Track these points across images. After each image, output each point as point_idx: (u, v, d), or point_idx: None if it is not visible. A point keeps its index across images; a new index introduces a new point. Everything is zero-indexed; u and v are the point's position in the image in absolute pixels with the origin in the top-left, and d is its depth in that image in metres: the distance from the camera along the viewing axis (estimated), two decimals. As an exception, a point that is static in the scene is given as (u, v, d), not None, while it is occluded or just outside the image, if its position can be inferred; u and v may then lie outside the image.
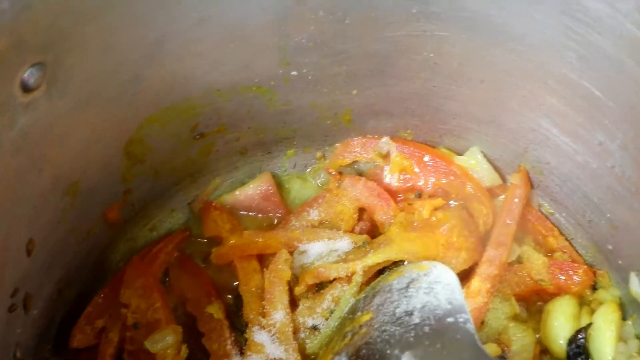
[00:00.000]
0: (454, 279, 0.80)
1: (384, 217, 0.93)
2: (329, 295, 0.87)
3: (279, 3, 0.78)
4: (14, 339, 0.76)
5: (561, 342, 0.87)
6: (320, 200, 0.95)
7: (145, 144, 0.85)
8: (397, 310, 0.81)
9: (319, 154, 1.01)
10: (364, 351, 0.77)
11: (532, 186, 0.94)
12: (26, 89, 0.65)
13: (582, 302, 0.91)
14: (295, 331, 0.87)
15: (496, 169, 0.95)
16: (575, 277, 0.89)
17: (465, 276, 0.89)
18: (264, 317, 0.86)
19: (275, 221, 0.97)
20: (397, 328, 0.78)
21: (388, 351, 0.75)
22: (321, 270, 0.87)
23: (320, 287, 0.89)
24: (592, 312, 0.89)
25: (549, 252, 0.94)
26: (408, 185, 0.94)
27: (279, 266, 0.87)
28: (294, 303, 0.88)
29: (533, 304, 0.92)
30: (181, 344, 0.84)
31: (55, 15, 0.64)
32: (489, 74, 0.83)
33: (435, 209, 0.91)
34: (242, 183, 0.98)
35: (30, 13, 0.62)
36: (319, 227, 0.94)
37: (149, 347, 0.83)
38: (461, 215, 0.90)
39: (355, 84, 0.90)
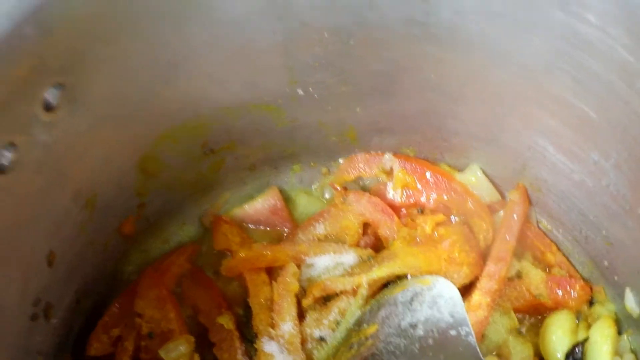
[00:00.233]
0: (456, 293, 0.83)
1: (388, 232, 0.95)
2: (336, 307, 0.89)
3: (285, 25, 0.80)
4: (36, 347, 0.79)
5: (559, 355, 0.89)
6: (325, 215, 0.97)
7: (159, 160, 0.87)
8: (402, 323, 0.83)
9: (324, 170, 1.02)
10: (370, 362, 0.81)
11: (530, 203, 0.96)
12: (48, 108, 0.69)
13: (579, 317, 0.92)
14: (303, 342, 0.89)
15: (495, 185, 0.97)
16: (572, 292, 0.91)
17: (466, 290, 0.91)
18: (273, 328, 0.89)
19: (284, 235, 0.99)
20: (402, 340, 0.81)
21: (393, 362, 0.79)
22: (328, 283, 0.90)
23: (327, 299, 0.91)
24: (589, 326, 0.91)
25: (547, 267, 0.95)
26: (411, 200, 0.96)
27: (287, 279, 0.90)
28: (301, 315, 0.90)
29: (532, 317, 0.94)
30: (194, 353, 0.86)
31: (74, 39, 0.68)
32: (488, 94, 0.85)
33: (437, 224, 0.93)
34: (251, 197, 1.00)
35: (52, 37, 0.65)
36: (325, 241, 0.95)
37: (163, 356, 0.86)
38: (462, 231, 0.92)
39: (359, 102, 0.92)
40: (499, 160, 0.94)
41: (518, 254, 0.95)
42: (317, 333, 0.89)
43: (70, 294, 0.85)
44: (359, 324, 0.87)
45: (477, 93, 0.86)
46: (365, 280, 0.88)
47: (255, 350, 0.89)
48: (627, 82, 0.71)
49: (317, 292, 0.89)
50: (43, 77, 0.67)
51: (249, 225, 0.99)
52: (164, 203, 0.94)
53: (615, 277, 0.90)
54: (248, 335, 0.91)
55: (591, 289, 0.93)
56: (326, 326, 0.89)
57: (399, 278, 0.91)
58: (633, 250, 0.84)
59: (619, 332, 0.90)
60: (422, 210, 0.96)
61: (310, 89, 0.89)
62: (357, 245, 0.95)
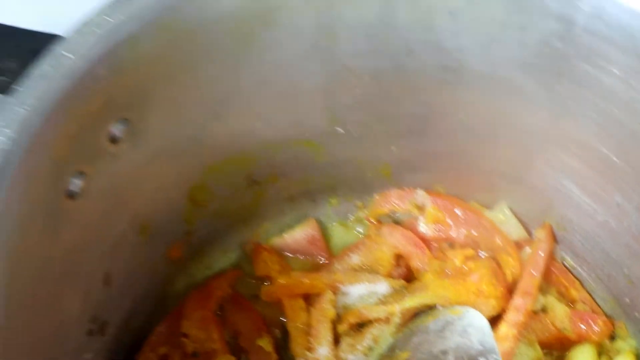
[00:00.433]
0: (485, 323, 0.88)
1: (419, 264, 0.99)
2: (369, 334, 0.94)
3: (328, 69, 0.85)
4: (88, 363, 0.84)
5: (582, 386, 0.93)
6: (360, 246, 1.02)
7: (207, 190, 0.92)
8: (434, 350, 0.88)
9: (360, 204, 1.06)
10: (403, 387, 0.86)
11: (556, 241, 0.99)
12: (113, 141, 0.75)
13: (601, 351, 0.95)
14: (338, 366, 0.94)
15: (523, 223, 1.01)
16: (594, 327, 0.95)
17: (493, 322, 0.94)
18: (309, 351, 0.93)
19: (321, 264, 1.03)
20: (435, 366, 0.87)
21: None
22: (363, 311, 0.94)
23: (361, 326, 0.95)
24: (611, 360, 0.94)
25: (571, 302, 0.99)
26: (441, 235, 1.00)
27: (324, 305, 0.94)
28: (336, 340, 0.94)
29: (556, 350, 0.97)
30: (235, 373, 0.91)
31: (140, 78, 0.74)
32: (517, 137, 0.89)
33: (467, 258, 0.97)
34: (290, 227, 1.05)
35: (121, 77, 0.71)
36: (359, 270, 0.99)
37: (208, 374, 0.90)
38: (490, 265, 0.96)
39: (394, 141, 0.96)
40: (527, 199, 0.98)
41: (543, 289, 0.98)
42: (351, 358, 0.93)
43: (122, 312, 0.90)
44: (391, 350, 0.92)
45: (506, 135, 0.90)
46: (398, 309, 0.93)
47: (293, 371, 0.93)
48: (648, 130, 0.76)
49: (352, 319, 0.94)
50: (110, 113, 0.73)
51: (288, 253, 1.04)
52: (209, 231, 0.99)
53: (636, 314, 0.94)
54: (285, 358, 0.95)
55: (613, 324, 0.96)
56: (360, 351, 0.93)
57: (429, 308, 0.95)
58: (653, 289, 0.88)
59: (639, 367, 0.94)
60: (452, 245, 1.00)
61: (349, 127, 0.94)
62: (390, 275, 0.99)
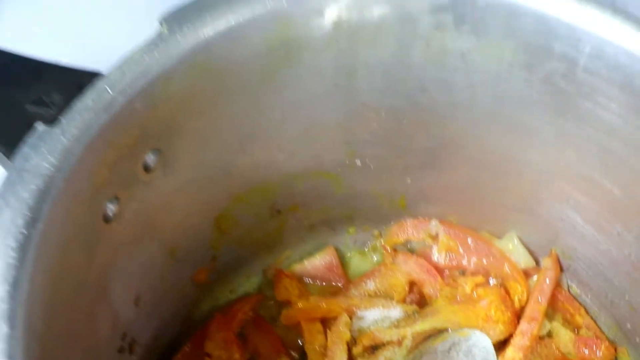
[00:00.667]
0: (489, 344, 0.92)
1: (432, 291, 1.03)
2: (382, 356, 0.97)
3: (347, 106, 0.89)
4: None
5: (585, 409, 0.96)
6: (376, 273, 1.06)
7: (232, 218, 0.97)
8: (441, 369, 0.93)
9: (376, 232, 1.10)
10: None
11: (562, 269, 1.03)
12: (146, 169, 0.80)
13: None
14: (353, 386, 0.97)
15: (530, 252, 1.04)
16: (598, 352, 0.98)
17: (501, 346, 0.98)
18: (326, 372, 0.97)
19: (339, 288, 1.07)
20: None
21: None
22: (376, 334, 0.98)
23: (374, 348, 0.99)
24: (613, 386, 0.97)
25: (575, 328, 1.02)
26: (453, 263, 1.04)
27: (340, 328, 0.98)
28: (351, 361, 0.98)
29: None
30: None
31: (172, 113, 0.79)
32: (525, 170, 0.93)
33: (477, 285, 1.01)
34: (310, 255, 1.09)
35: (155, 111, 0.77)
36: (374, 296, 1.04)
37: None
38: (499, 292, 1.00)
39: (409, 174, 1.00)
40: (534, 229, 1.02)
41: (549, 315, 1.02)
42: (365, 378, 0.97)
43: (150, 332, 0.94)
44: (403, 371, 0.97)
45: (514, 169, 0.94)
46: (410, 332, 0.97)
47: (310, 390, 0.97)
48: (647, 165, 0.80)
49: (366, 342, 0.98)
50: (145, 144, 0.78)
51: (307, 279, 1.08)
52: (233, 257, 1.04)
53: (638, 339, 0.97)
54: (303, 378, 0.99)
55: (615, 349, 1.00)
56: (373, 373, 0.97)
57: (439, 332, 0.99)
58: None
59: (641, 392, 0.97)
60: (463, 272, 1.04)
61: (366, 160, 0.98)
62: (404, 301, 1.03)
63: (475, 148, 0.94)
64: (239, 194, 0.96)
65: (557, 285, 1.03)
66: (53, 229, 0.70)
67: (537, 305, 1.00)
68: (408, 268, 1.05)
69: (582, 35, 0.76)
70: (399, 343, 0.98)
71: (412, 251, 1.09)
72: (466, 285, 1.01)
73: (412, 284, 1.05)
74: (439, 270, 1.05)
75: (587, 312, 1.03)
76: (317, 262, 1.09)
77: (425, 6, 0.80)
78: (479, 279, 1.02)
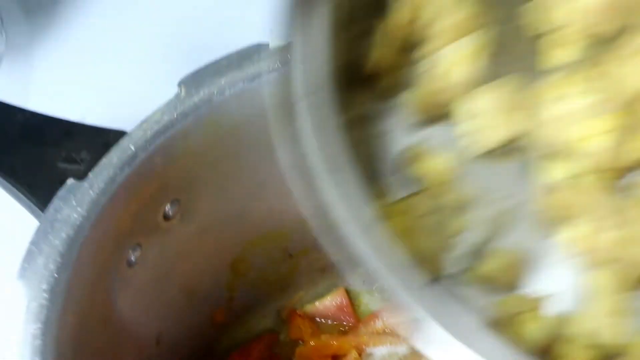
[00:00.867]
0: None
1: (438, 329, 1.08)
2: (389, 390, 1.03)
3: None
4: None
5: None
6: (384, 312, 1.09)
7: (247, 262, 1.03)
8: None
9: None
10: None
11: None
12: (166, 218, 0.87)
13: None
14: (363, 418, 1.02)
15: None
16: None
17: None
18: (336, 405, 1.02)
19: (349, 326, 1.12)
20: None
21: None
22: (384, 369, 1.04)
23: (381, 382, 1.04)
24: None
25: None
26: None
27: (350, 364, 1.04)
28: (359, 396, 1.03)
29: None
30: None
31: (190, 166, 0.86)
32: None
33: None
34: (321, 296, 1.13)
35: (174, 165, 0.84)
36: (382, 334, 1.08)
37: None
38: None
39: None
40: None
41: None
42: (372, 411, 1.02)
43: (170, 369, 1.01)
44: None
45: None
46: (415, 367, 1.03)
47: None
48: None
49: (375, 377, 1.04)
50: (164, 195, 0.86)
51: (319, 319, 1.13)
52: (249, 298, 1.09)
53: None
54: (315, 413, 1.04)
55: None
56: (380, 405, 1.02)
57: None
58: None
59: None
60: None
61: None
62: (410, 338, 1.09)
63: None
64: (254, 239, 1.02)
65: None
66: (81, 272, 0.77)
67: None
68: (414, 307, 1.10)
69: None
70: (406, 378, 1.03)
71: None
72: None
73: (417, 322, 1.10)
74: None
75: None
76: (329, 303, 1.13)
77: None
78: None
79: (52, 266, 0.75)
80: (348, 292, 1.14)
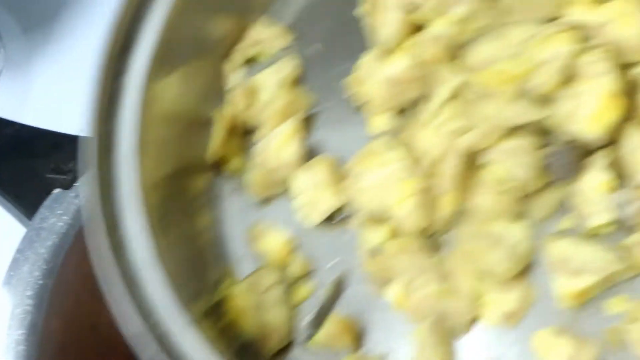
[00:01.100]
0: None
1: None
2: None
3: None
4: None
5: None
6: None
7: None
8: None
9: None
10: None
11: None
12: None
13: None
14: None
15: None
16: None
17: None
18: None
19: None
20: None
21: None
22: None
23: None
24: None
25: None
26: None
27: None
28: None
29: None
30: None
31: None
32: None
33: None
34: None
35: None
36: None
37: None
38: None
39: None
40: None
41: None
42: None
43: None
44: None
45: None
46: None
47: None
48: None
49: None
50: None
51: None
52: None
53: None
54: None
55: None
56: None
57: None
58: None
59: None
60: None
61: None
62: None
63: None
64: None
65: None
66: (66, 279, 0.80)
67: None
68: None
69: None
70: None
71: None
72: None
73: None
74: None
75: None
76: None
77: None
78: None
79: (37, 273, 0.77)
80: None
